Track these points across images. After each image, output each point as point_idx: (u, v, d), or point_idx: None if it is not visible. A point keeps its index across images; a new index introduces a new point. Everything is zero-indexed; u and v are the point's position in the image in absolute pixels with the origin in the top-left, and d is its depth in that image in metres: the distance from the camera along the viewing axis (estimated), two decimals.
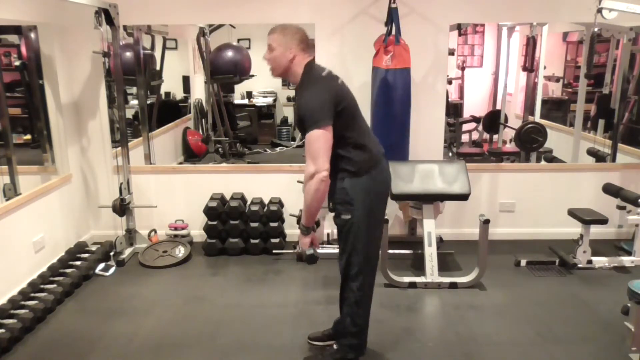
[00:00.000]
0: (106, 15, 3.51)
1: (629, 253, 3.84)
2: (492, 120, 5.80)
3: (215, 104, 5.81)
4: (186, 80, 5.98)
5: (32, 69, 3.72)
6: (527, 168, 4.46)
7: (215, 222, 3.91)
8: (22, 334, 2.83)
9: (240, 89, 6.93)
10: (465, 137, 6.22)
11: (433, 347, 2.76)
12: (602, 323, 2.97)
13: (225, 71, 5.70)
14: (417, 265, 3.70)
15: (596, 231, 3.72)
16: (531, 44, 5.18)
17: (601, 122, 4.79)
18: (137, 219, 4.02)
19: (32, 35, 3.63)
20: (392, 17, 3.57)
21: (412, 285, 3.41)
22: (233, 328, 2.95)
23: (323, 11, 3.83)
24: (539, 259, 3.77)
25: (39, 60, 3.68)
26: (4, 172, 3.39)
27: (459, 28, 5.27)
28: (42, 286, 3.27)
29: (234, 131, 6.23)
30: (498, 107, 5.88)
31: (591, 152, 4.62)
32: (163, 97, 5.65)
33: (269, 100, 7.06)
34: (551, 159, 5.09)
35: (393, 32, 3.57)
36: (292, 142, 6.74)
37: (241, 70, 5.78)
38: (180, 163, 5.48)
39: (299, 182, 3.92)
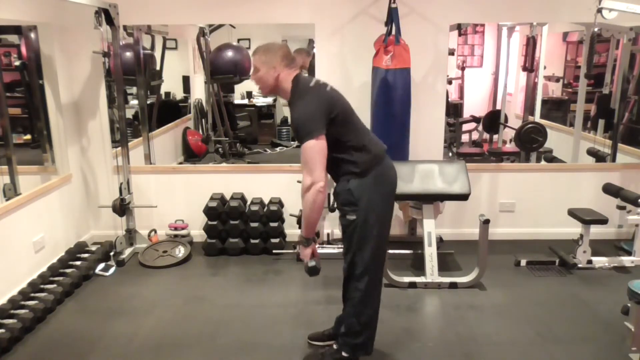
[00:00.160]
0: (106, 15, 3.51)
1: (629, 253, 3.84)
2: (492, 120, 5.79)
3: (215, 104, 5.80)
4: (186, 80, 5.98)
5: (32, 69, 3.72)
6: (527, 168, 4.46)
7: (215, 222, 3.92)
8: (22, 334, 2.83)
9: (240, 89, 6.91)
10: (465, 137, 6.20)
11: (433, 347, 2.76)
12: (602, 323, 2.97)
13: (225, 71, 5.68)
14: (417, 265, 3.70)
15: (596, 231, 3.72)
16: (531, 44, 5.17)
17: (601, 122, 4.79)
18: (137, 219, 4.02)
19: (32, 35, 3.63)
20: (392, 17, 3.57)
21: (412, 285, 3.41)
22: (233, 328, 2.95)
23: (323, 11, 3.83)
24: (539, 259, 3.77)
25: (39, 60, 3.68)
26: (4, 172, 3.39)
27: (459, 28, 5.26)
28: (42, 286, 3.27)
29: (234, 131, 6.22)
30: (498, 107, 5.86)
31: (591, 152, 4.61)
32: (163, 97, 5.65)
33: (269, 100, 7.05)
34: (551, 159, 5.09)
35: (393, 32, 3.57)
36: (292, 142, 6.72)
37: (241, 70, 5.77)
38: (180, 163, 5.48)
39: (298, 182, 3.90)
